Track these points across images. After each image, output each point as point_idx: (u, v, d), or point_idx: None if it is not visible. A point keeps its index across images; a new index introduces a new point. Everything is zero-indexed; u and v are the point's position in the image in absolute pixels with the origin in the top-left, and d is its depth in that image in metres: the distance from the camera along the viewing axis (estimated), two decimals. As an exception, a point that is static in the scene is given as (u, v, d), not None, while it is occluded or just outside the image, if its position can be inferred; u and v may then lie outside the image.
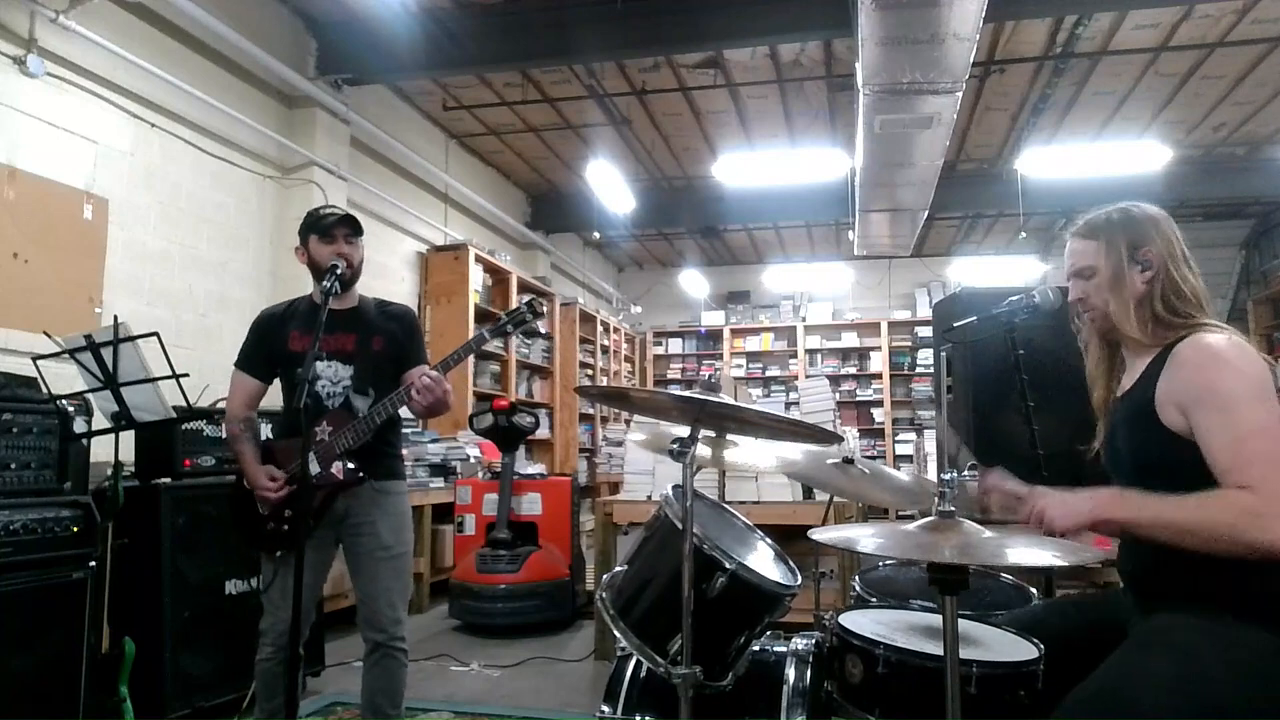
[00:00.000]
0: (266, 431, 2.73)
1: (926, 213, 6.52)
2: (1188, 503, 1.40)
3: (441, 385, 2.32)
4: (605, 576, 1.87)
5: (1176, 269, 1.62)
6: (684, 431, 1.75)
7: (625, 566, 1.85)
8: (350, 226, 2.46)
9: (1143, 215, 1.68)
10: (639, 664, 1.87)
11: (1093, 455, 1.77)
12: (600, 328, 10.29)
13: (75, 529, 2.61)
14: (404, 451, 5.06)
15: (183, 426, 3.17)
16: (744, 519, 2.11)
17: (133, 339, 2.66)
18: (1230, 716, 1.30)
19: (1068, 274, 1.75)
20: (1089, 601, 1.80)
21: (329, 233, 2.43)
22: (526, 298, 2.54)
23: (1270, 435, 1.41)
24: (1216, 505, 1.39)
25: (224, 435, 3.26)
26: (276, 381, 2.57)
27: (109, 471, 2.79)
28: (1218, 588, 1.43)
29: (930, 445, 8.68)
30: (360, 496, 2.43)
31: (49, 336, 2.78)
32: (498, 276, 7.69)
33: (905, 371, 11.13)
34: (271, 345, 2.50)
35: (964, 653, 1.43)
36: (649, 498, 4.20)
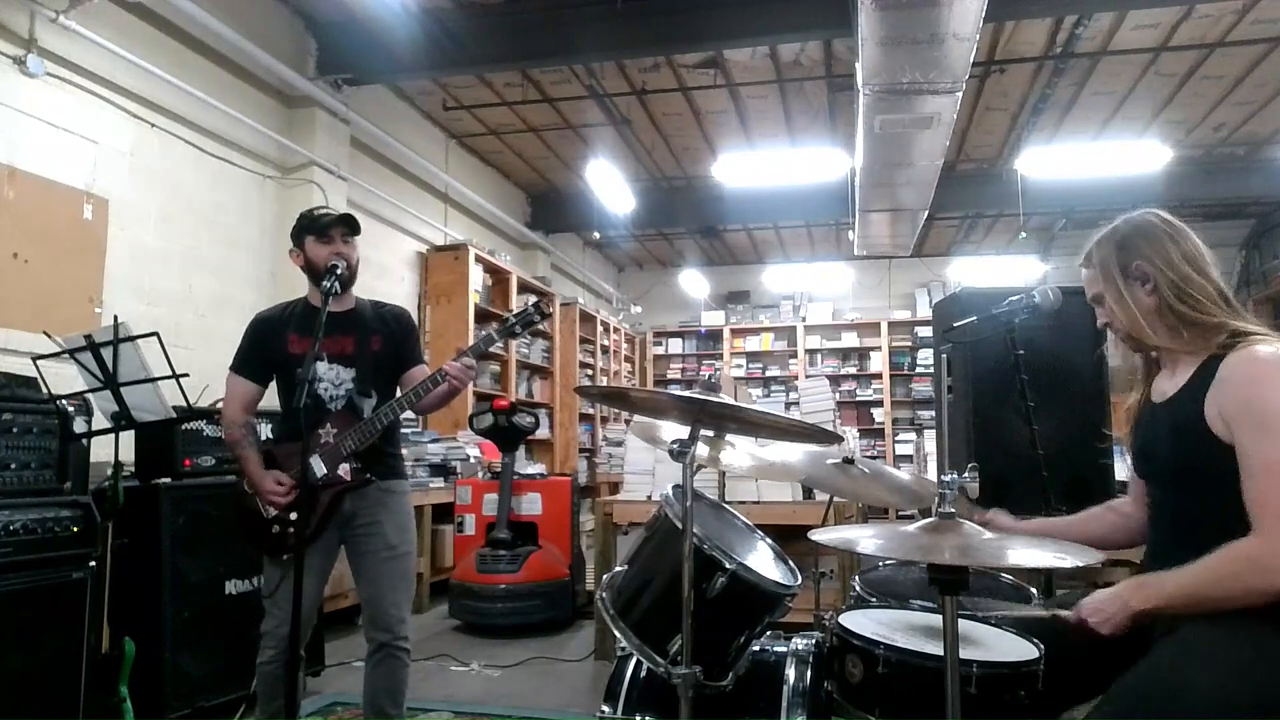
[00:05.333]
0: (265, 432, 2.72)
1: (926, 213, 6.52)
2: (1201, 567, 1.40)
3: (475, 370, 2.42)
4: (605, 576, 1.87)
5: (1176, 271, 1.58)
6: (683, 431, 1.75)
7: (625, 566, 1.85)
8: (347, 226, 2.45)
9: (1128, 229, 1.65)
10: (639, 664, 1.87)
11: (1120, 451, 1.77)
12: (600, 328, 10.29)
13: (75, 529, 2.61)
14: (404, 451, 5.07)
15: (183, 426, 3.17)
16: (744, 519, 2.11)
17: (133, 339, 2.66)
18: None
19: (1089, 301, 1.75)
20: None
21: (325, 233, 2.42)
22: (532, 298, 2.56)
23: None
24: (1224, 561, 1.39)
25: (223, 438, 3.27)
26: (272, 385, 2.55)
27: (109, 471, 2.78)
28: None
29: (930, 445, 8.69)
30: (367, 497, 2.43)
31: (49, 336, 2.78)
32: (498, 276, 7.68)
33: (905, 371, 11.13)
34: (270, 348, 2.48)
35: (964, 653, 1.43)
36: (649, 498, 4.20)
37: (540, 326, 2.47)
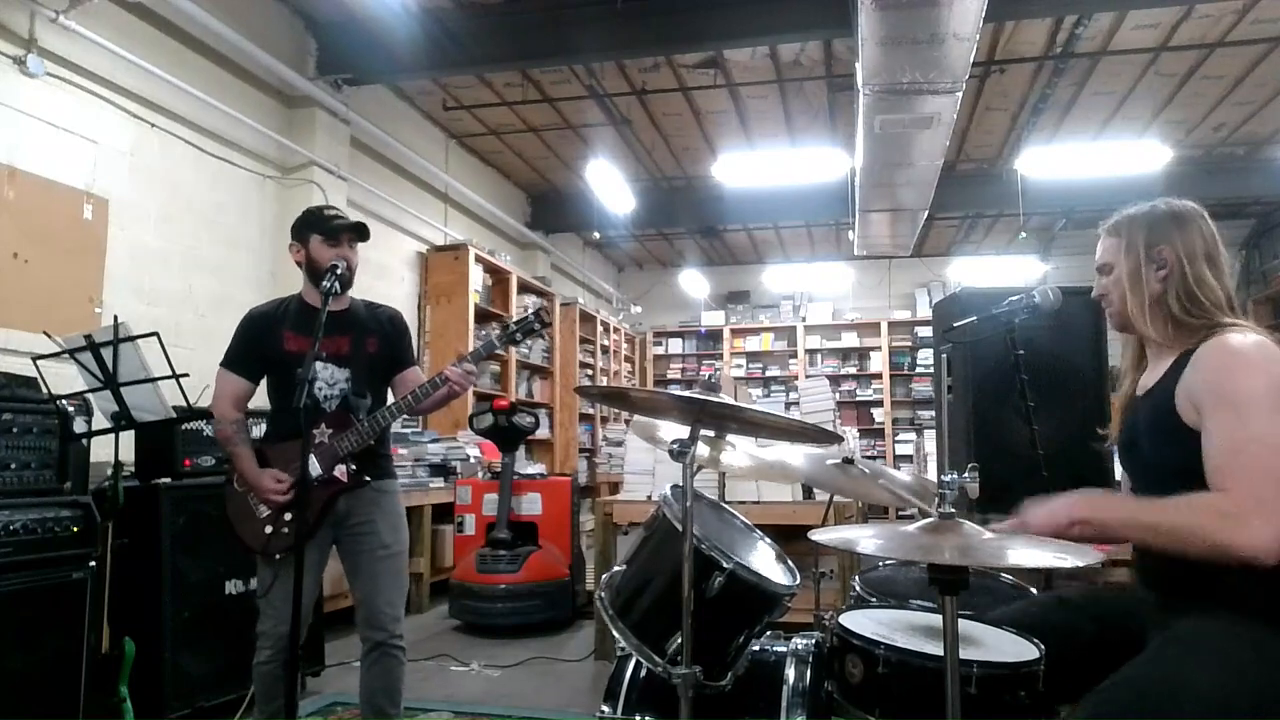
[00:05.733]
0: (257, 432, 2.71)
1: (926, 213, 6.52)
2: (1162, 505, 1.40)
3: (475, 376, 2.44)
4: (604, 576, 1.87)
5: (1194, 268, 1.58)
6: (683, 431, 1.75)
7: (624, 566, 1.85)
8: (357, 234, 2.45)
9: (1166, 213, 1.65)
10: (639, 664, 1.87)
11: (1108, 449, 1.78)
12: (600, 328, 10.29)
13: (75, 529, 2.61)
14: (404, 451, 5.08)
15: (183, 426, 3.17)
16: (744, 519, 2.10)
17: (133, 339, 2.67)
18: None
19: (1095, 268, 1.75)
20: (1090, 597, 1.80)
21: (335, 236, 2.42)
22: (533, 304, 2.57)
23: (1271, 447, 1.36)
24: (1188, 507, 1.38)
25: (214, 434, 3.26)
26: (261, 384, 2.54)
27: (109, 471, 2.79)
28: (1248, 589, 1.39)
29: (930, 445, 8.69)
30: (361, 497, 2.43)
31: (49, 336, 2.78)
32: (498, 276, 7.68)
33: (905, 371, 11.13)
34: (265, 345, 2.46)
35: (964, 653, 1.43)
36: (649, 498, 4.20)
37: (542, 333, 2.48)
